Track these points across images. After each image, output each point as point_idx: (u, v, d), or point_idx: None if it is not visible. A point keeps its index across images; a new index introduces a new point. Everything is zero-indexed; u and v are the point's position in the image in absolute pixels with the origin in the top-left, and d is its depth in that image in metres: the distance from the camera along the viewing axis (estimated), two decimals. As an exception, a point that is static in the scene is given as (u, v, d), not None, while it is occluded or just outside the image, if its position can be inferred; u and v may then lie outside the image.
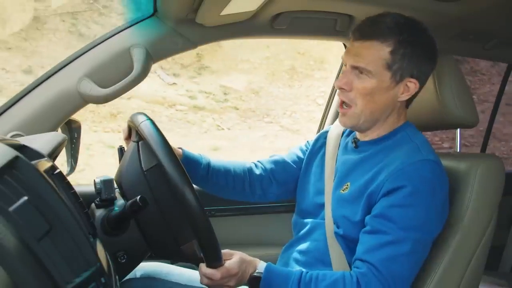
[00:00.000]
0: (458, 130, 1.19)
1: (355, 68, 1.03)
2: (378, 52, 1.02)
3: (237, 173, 1.26)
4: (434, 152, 1.05)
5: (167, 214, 0.98)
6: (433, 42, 1.06)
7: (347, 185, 1.08)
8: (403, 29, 1.02)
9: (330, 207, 1.10)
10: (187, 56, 6.74)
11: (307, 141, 1.31)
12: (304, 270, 1.01)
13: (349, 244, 1.05)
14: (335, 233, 1.07)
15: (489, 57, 1.69)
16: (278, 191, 1.29)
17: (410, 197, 0.97)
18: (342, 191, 1.08)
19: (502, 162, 1.14)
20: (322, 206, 1.13)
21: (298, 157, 1.29)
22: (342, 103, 1.08)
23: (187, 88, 6.43)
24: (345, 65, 1.07)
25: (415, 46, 1.02)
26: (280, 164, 1.28)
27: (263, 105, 6.32)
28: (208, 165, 1.23)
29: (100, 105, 5.33)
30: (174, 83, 6.40)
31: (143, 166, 0.99)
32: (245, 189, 1.27)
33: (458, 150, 1.24)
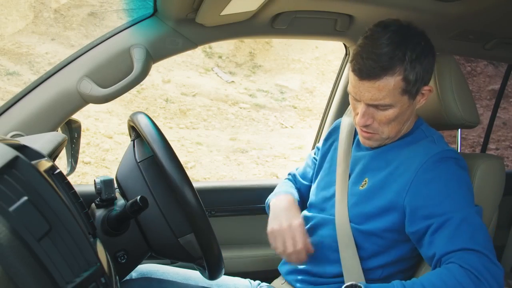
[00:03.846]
0: (459, 130, 1.19)
1: (371, 105, 1.02)
2: (391, 85, 0.98)
3: None
4: (448, 144, 1.08)
5: (162, 204, 0.99)
6: (428, 40, 1.04)
7: (365, 181, 1.08)
8: (402, 49, 0.98)
9: (345, 203, 1.09)
10: (241, 55, 6.87)
11: (316, 151, 1.33)
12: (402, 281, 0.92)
13: (368, 238, 1.04)
14: (353, 228, 1.06)
15: (489, 57, 1.69)
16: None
17: (443, 185, 0.97)
18: (361, 187, 1.08)
19: (502, 162, 1.13)
20: (329, 199, 1.14)
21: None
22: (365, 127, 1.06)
23: (245, 86, 6.53)
24: (356, 100, 1.04)
25: (419, 58, 1.00)
26: (309, 189, 1.29)
27: (318, 104, 6.41)
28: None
29: (169, 102, 5.41)
30: (233, 81, 6.50)
31: (137, 158, 1.01)
32: None
33: (458, 150, 1.23)
